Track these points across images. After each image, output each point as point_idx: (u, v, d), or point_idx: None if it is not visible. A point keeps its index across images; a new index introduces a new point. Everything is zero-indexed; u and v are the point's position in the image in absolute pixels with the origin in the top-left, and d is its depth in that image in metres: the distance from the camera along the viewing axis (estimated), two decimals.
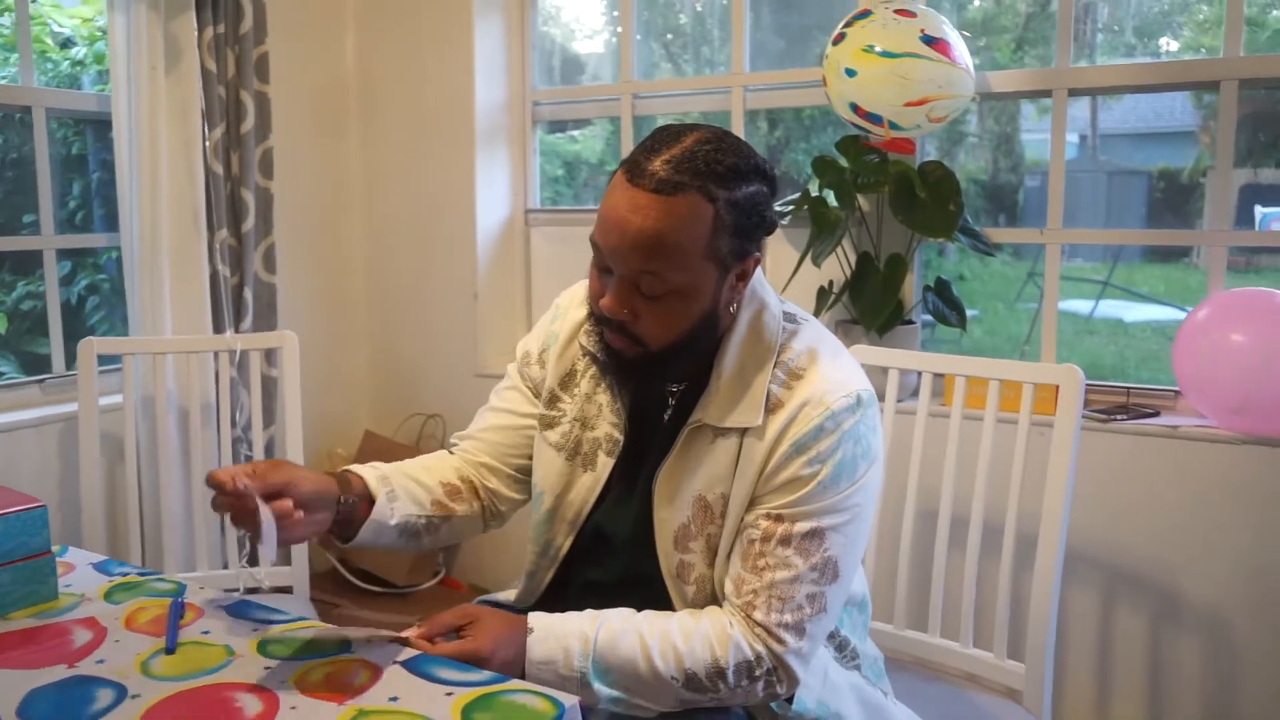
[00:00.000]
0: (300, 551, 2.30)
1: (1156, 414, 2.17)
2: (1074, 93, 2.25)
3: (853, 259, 2.29)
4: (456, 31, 2.91)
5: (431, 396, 3.11)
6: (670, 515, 1.31)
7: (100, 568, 1.40)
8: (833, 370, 1.28)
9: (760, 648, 1.23)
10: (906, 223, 2.15)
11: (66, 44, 3.54)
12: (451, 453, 1.50)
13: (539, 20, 3.10)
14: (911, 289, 2.36)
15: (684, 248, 1.21)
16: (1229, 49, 2.09)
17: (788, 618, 1.24)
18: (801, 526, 1.24)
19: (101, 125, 2.93)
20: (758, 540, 1.25)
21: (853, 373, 1.31)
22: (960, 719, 1.68)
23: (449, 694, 1.03)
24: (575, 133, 3.40)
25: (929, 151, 2.44)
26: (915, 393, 2.18)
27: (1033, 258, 3.90)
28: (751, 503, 1.27)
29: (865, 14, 2.14)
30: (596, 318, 1.31)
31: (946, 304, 2.28)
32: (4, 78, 3.71)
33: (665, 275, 1.22)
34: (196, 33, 2.47)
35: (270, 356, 2.60)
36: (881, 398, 1.63)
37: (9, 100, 2.55)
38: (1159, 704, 2.14)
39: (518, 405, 1.47)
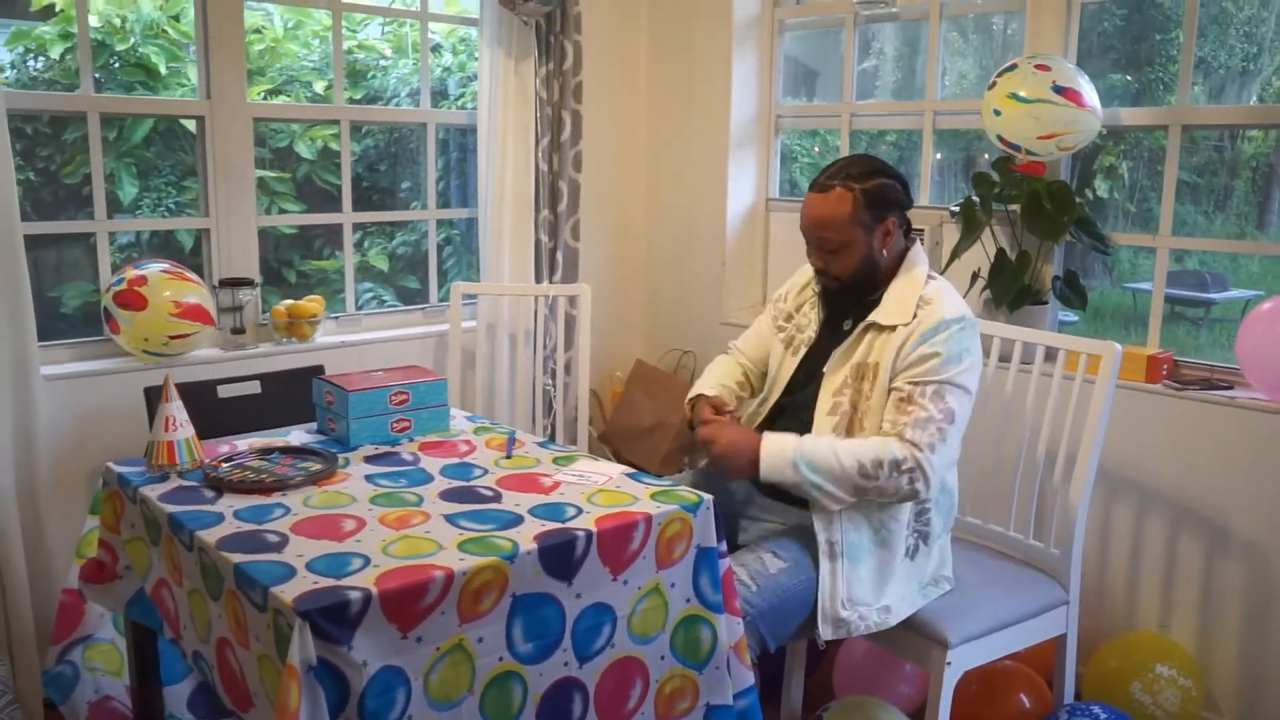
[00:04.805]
0: (581, 444, 3.31)
1: (1230, 388, 2.70)
2: (1187, 128, 2.80)
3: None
4: (719, 61, 3.66)
5: (687, 337, 3.92)
6: (837, 374, 2.16)
7: (469, 419, 2.45)
8: (949, 302, 2.14)
9: (906, 453, 2.01)
10: (1029, 228, 2.82)
11: (436, 49, 4.65)
12: (728, 352, 2.51)
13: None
14: (1047, 277, 3.00)
15: (836, 221, 2.13)
16: None
17: (925, 438, 2.02)
18: (931, 388, 2.06)
19: (455, 129, 3.89)
20: (904, 397, 2.08)
21: (962, 306, 2.16)
22: (1014, 582, 2.41)
23: (647, 486, 1.96)
24: None
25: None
26: (1044, 359, 2.82)
27: None
28: (897, 375, 2.09)
29: (1013, 67, 2.80)
30: (814, 271, 2.26)
31: (1071, 290, 2.92)
32: (396, 78, 4.95)
33: (830, 238, 2.15)
34: (534, 71, 3.48)
35: (572, 301, 3.52)
36: (1008, 359, 2.54)
37: (413, 119, 3.68)
38: (1208, 614, 2.69)
39: (767, 330, 2.44)
